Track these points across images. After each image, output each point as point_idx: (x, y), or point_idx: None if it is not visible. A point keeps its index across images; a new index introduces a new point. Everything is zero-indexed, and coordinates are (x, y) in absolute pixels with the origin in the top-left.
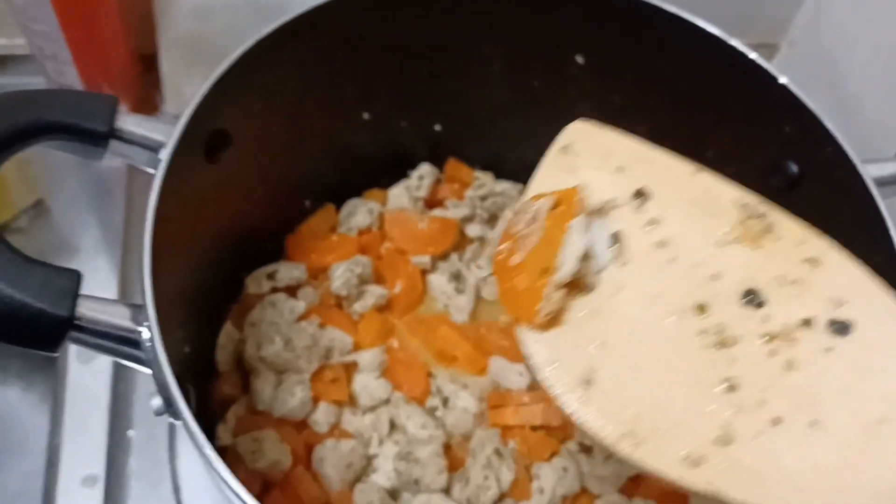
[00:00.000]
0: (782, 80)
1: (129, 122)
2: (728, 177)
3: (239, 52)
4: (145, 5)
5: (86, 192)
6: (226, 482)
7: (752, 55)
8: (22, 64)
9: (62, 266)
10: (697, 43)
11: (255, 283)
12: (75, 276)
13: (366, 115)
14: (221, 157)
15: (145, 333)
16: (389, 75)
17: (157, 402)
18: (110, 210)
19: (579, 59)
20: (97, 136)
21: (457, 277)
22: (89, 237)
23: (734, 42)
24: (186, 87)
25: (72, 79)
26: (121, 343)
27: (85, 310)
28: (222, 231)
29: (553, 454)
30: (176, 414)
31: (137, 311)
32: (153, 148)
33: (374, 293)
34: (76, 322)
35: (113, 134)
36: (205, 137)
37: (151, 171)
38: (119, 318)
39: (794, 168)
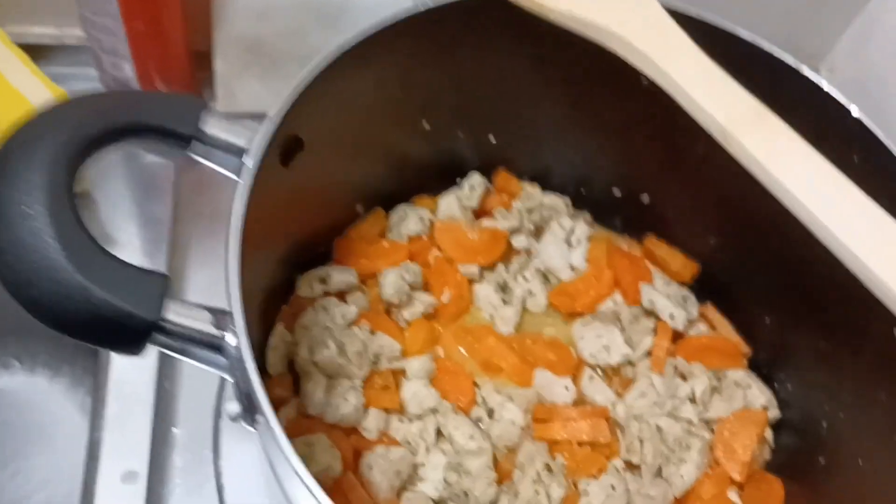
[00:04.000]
0: (855, 113)
1: (213, 126)
2: None
3: (322, 60)
4: (204, 2)
5: (132, 186)
6: (313, 494)
7: (826, 86)
8: (72, 54)
9: (150, 269)
10: (768, 70)
11: (307, 285)
12: (163, 280)
13: (426, 125)
14: (294, 162)
15: (230, 339)
16: (455, 87)
17: (233, 407)
18: (157, 205)
19: (645, 81)
20: (182, 138)
21: (503, 288)
22: (134, 232)
23: (807, 72)
24: (239, 88)
25: (127, 73)
26: (204, 348)
27: (171, 313)
28: (285, 234)
29: (600, 471)
30: (254, 421)
31: (220, 316)
32: (234, 152)
33: (423, 301)
34: (161, 325)
35: (197, 136)
36: (282, 143)
37: (229, 174)
38: (203, 322)
39: None
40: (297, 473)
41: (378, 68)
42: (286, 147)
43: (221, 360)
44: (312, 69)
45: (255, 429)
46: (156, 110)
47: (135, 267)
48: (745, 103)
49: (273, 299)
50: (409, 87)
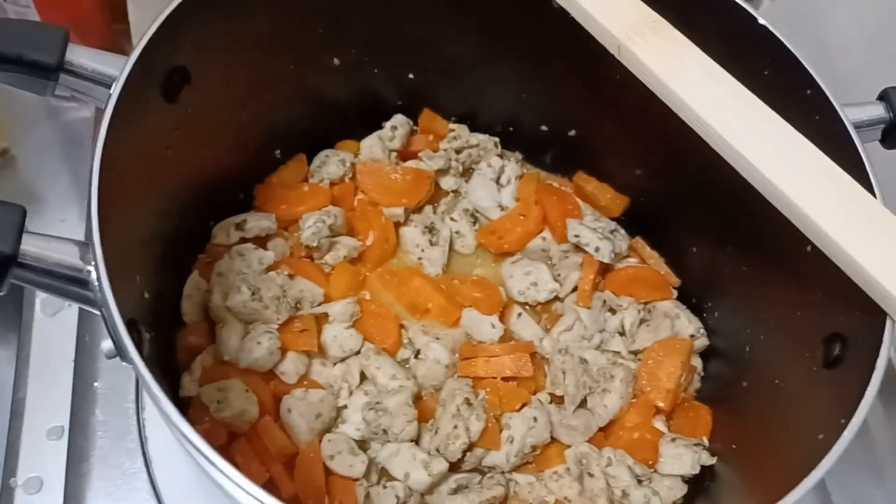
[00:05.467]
0: (762, 21)
1: (81, 55)
2: None
3: None
4: None
5: (54, 142)
6: (173, 422)
7: None
8: None
9: (6, 201)
10: None
11: (223, 232)
12: (20, 212)
13: (336, 61)
14: (181, 96)
15: (93, 273)
16: (361, 17)
17: (107, 344)
18: (78, 161)
19: (555, 5)
20: (46, 69)
21: (430, 230)
22: (56, 188)
23: None
24: None
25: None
26: (68, 282)
27: (30, 246)
28: (190, 177)
29: (524, 405)
30: (126, 356)
31: (86, 249)
32: (107, 83)
33: (346, 245)
34: (20, 260)
35: (62, 67)
36: (163, 74)
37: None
38: (66, 255)
39: None
40: (146, 388)
41: None
42: (169, 79)
43: (89, 294)
44: None
45: (130, 364)
46: (13, 39)
47: None
48: (639, 12)
49: (188, 248)
50: (308, 15)
